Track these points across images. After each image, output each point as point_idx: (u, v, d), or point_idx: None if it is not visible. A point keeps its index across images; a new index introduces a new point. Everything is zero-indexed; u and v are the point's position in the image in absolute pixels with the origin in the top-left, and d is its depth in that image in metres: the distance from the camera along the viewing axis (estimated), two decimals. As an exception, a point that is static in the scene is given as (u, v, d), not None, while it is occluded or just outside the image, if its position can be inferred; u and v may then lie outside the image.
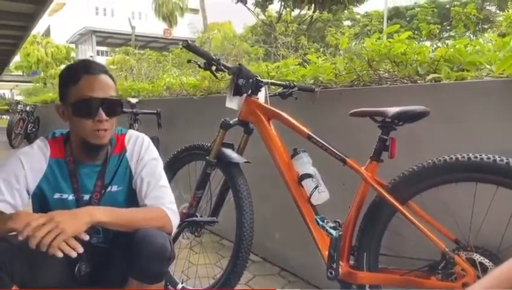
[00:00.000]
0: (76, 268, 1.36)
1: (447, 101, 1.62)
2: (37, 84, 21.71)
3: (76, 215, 1.16)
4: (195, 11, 32.26)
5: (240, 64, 1.92)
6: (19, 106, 10.58)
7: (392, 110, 1.49)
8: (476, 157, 1.31)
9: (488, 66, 1.59)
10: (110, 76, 1.36)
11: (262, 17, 17.79)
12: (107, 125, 1.32)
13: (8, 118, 11.85)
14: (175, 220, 1.39)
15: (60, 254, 1.09)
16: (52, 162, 1.37)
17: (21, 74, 27.11)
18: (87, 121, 1.30)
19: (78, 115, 1.30)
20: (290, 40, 4.77)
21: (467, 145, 1.47)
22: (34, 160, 1.35)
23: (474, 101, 1.54)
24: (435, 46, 2.37)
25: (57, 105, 1.38)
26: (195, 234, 2.05)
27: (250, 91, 1.90)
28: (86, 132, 1.32)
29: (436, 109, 1.53)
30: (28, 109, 9.93)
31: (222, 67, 1.92)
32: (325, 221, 1.59)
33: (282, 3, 17.06)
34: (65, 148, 1.40)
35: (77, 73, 1.31)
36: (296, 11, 17.88)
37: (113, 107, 1.34)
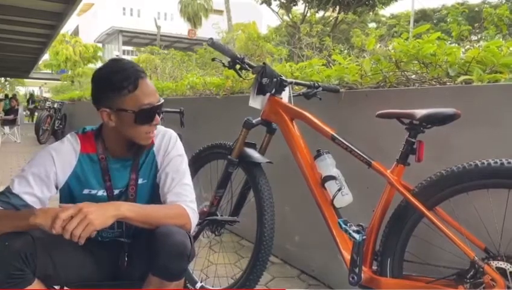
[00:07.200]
0: (120, 261, 1.41)
1: (478, 104, 1.56)
2: (65, 82, 22.25)
3: (104, 208, 1.16)
4: (219, 12, 32.47)
5: (264, 63, 1.90)
6: (47, 103, 10.87)
7: (421, 112, 1.45)
8: (509, 162, 1.25)
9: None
10: None
11: (286, 18, 17.74)
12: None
13: (37, 114, 12.18)
14: (194, 220, 1.38)
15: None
16: (82, 158, 1.38)
17: (50, 71, 27.86)
18: (145, 126, 1.32)
19: (141, 122, 1.31)
20: (315, 41, 4.71)
21: (500, 150, 1.41)
22: (65, 156, 1.36)
23: (508, 104, 1.47)
24: (465, 48, 2.30)
25: (101, 111, 1.31)
26: (216, 233, 2.05)
27: (274, 90, 1.88)
28: (140, 136, 1.34)
29: (467, 111, 1.47)
30: (55, 106, 10.18)
31: (246, 66, 1.91)
32: (348, 224, 1.55)
33: (307, 4, 16.99)
34: (96, 144, 1.40)
35: (134, 79, 1.28)
36: (321, 13, 17.78)
37: (161, 109, 1.37)
